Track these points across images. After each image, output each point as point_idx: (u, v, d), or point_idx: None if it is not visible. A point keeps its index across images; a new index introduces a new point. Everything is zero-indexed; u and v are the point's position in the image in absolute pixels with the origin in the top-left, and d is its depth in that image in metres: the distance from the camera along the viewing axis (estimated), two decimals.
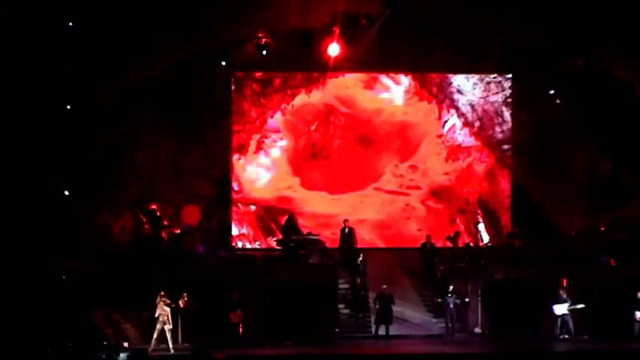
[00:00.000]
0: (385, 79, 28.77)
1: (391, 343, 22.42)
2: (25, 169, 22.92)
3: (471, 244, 26.64)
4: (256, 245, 28.05)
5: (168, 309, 21.45)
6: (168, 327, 21.37)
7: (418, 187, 28.78)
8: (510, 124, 28.84)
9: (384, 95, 28.79)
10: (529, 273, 24.04)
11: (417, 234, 28.22)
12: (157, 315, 21.44)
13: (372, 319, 23.77)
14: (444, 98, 28.90)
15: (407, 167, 28.84)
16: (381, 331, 23.09)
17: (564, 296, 23.05)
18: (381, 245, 28.32)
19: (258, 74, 28.38)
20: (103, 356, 18.87)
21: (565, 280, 23.22)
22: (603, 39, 26.04)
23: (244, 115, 28.50)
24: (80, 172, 24.58)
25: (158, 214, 26.48)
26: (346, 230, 26.28)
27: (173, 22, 24.89)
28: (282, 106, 28.55)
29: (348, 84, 28.75)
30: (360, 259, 24.82)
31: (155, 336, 21.33)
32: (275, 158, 28.57)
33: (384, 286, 23.34)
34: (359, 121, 28.82)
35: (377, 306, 23.18)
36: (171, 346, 21.26)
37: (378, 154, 28.83)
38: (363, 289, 24.59)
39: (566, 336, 22.86)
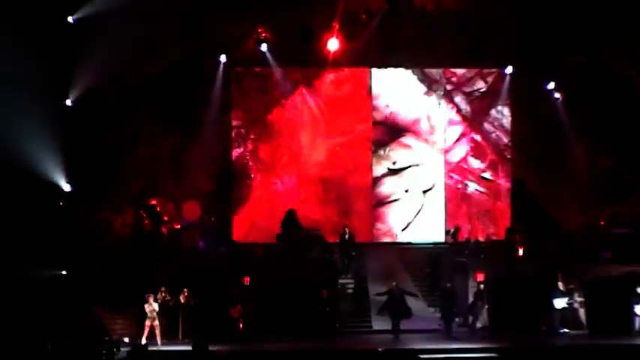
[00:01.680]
0: (387, 74, 28.79)
1: (392, 338, 22.40)
2: (26, 167, 22.91)
3: (471, 239, 26.62)
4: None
5: (156, 306, 21.52)
6: (156, 323, 21.44)
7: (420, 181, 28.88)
8: (510, 119, 28.87)
9: (387, 90, 28.80)
10: (529, 268, 24.04)
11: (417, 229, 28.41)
12: (146, 311, 21.52)
13: (373, 314, 23.80)
14: (444, 93, 28.91)
15: (409, 161, 28.90)
16: (385, 326, 23.02)
17: (563, 290, 23.07)
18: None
19: (258, 69, 28.39)
20: (104, 352, 18.85)
21: (560, 275, 23.27)
22: (603, 34, 26.03)
23: (244, 111, 28.52)
24: (82, 170, 24.57)
25: (158, 209, 26.51)
26: (346, 236, 26.22)
27: (173, 19, 24.89)
28: (282, 102, 28.58)
29: (350, 79, 28.78)
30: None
31: (145, 332, 21.39)
32: (275, 155, 28.60)
33: (394, 283, 23.27)
34: (361, 117, 28.83)
35: (392, 299, 23.01)
36: (159, 341, 21.29)
37: (379, 148, 28.86)
38: (364, 289, 24.62)
39: (566, 330, 22.87)
